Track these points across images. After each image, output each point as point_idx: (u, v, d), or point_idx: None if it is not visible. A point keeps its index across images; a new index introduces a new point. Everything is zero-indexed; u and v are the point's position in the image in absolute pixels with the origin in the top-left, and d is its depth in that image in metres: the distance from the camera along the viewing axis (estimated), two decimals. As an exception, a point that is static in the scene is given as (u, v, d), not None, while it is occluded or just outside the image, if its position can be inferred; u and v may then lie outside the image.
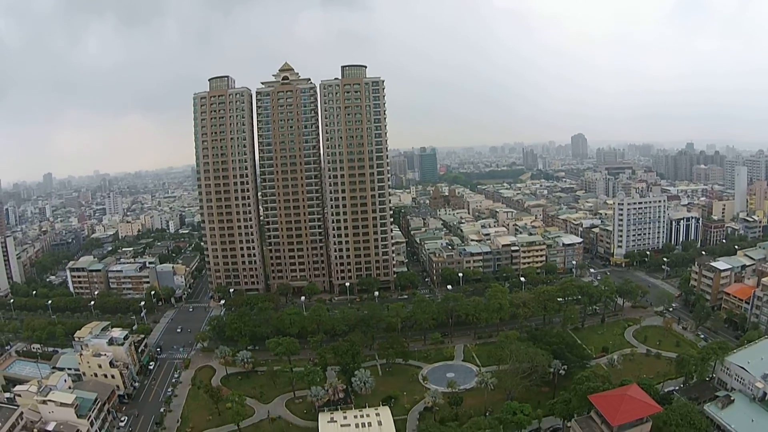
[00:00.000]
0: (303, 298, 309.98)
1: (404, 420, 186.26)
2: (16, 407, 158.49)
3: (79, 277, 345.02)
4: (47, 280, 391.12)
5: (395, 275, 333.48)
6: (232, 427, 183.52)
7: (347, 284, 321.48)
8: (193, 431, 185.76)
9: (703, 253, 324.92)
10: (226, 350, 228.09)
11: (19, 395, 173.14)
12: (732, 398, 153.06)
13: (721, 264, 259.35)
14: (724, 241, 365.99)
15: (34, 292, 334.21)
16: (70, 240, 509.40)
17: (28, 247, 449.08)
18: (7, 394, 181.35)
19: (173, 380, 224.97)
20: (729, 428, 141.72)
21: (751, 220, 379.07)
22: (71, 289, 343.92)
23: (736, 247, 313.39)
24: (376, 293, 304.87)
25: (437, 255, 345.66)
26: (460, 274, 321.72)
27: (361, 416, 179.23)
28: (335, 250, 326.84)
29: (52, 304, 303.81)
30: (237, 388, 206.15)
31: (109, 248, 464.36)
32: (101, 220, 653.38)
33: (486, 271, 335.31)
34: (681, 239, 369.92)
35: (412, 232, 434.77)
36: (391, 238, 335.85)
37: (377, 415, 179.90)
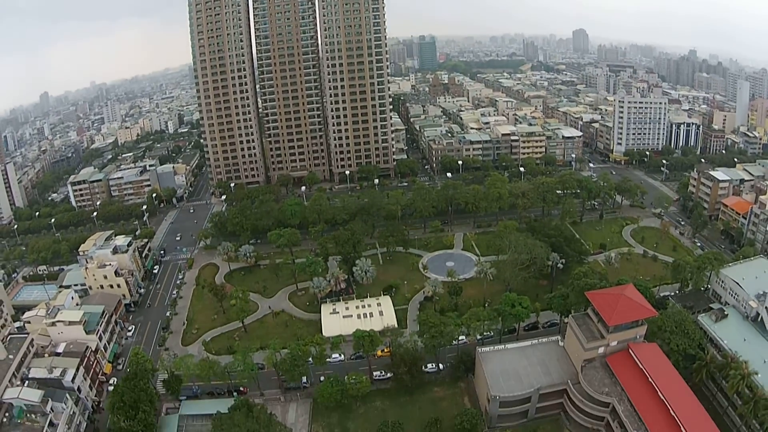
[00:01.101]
0: (303, 188, 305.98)
1: (405, 309, 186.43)
2: (26, 335, 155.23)
3: (80, 190, 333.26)
4: (49, 198, 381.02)
5: (395, 163, 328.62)
6: (237, 324, 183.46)
7: (347, 173, 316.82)
8: (199, 332, 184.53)
9: (703, 160, 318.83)
10: (228, 246, 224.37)
11: (29, 322, 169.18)
12: (726, 312, 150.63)
13: (720, 174, 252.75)
14: (723, 151, 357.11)
15: (37, 213, 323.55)
16: (69, 155, 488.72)
17: (29, 169, 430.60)
18: (17, 324, 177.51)
19: (178, 282, 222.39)
20: (722, 343, 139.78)
21: (752, 135, 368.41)
22: (73, 203, 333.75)
23: (736, 160, 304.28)
24: (376, 181, 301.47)
25: (437, 142, 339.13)
26: (460, 162, 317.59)
27: (363, 306, 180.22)
28: (335, 139, 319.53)
29: (55, 222, 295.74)
30: (240, 284, 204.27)
31: (109, 157, 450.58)
32: (100, 129, 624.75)
33: (485, 160, 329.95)
34: (681, 144, 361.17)
35: (411, 120, 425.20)
36: (391, 126, 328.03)
37: (378, 304, 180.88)
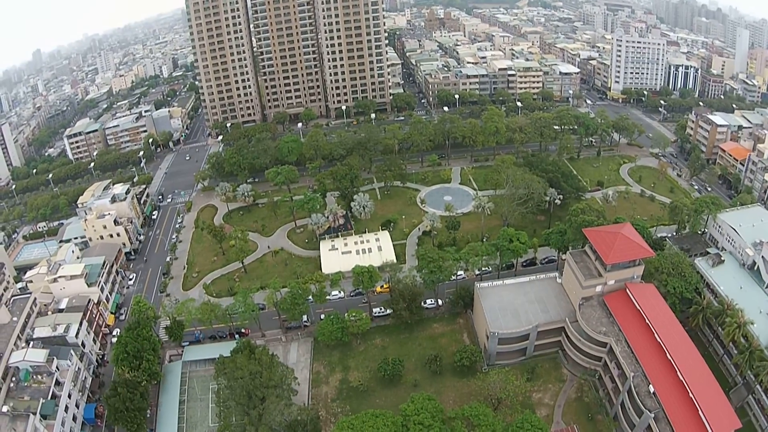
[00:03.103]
0: (300, 124, 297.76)
1: (403, 244, 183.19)
2: (28, 296, 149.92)
3: (76, 142, 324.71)
4: (46, 154, 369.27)
5: (391, 97, 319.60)
6: (237, 265, 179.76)
7: (344, 108, 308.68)
8: (200, 275, 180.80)
9: (701, 104, 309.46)
10: (226, 186, 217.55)
11: (31, 281, 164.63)
12: (722, 258, 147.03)
13: (718, 119, 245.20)
14: (722, 96, 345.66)
15: (34, 171, 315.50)
16: (64, 108, 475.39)
17: (24, 127, 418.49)
18: (20, 284, 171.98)
19: (177, 226, 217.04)
20: (718, 289, 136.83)
21: (751, 83, 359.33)
22: (70, 156, 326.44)
23: (734, 106, 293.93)
24: (373, 115, 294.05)
25: (433, 76, 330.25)
26: (457, 96, 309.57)
27: (362, 242, 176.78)
28: (330, 75, 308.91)
29: (53, 176, 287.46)
30: (239, 224, 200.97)
31: (104, 106, 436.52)
32: (94, 80, 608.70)
33: (482, 94, 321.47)
34: (679, 86, 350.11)
35: (407, 54, 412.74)
36: (387, 61, 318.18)
37: (377, 240, 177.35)
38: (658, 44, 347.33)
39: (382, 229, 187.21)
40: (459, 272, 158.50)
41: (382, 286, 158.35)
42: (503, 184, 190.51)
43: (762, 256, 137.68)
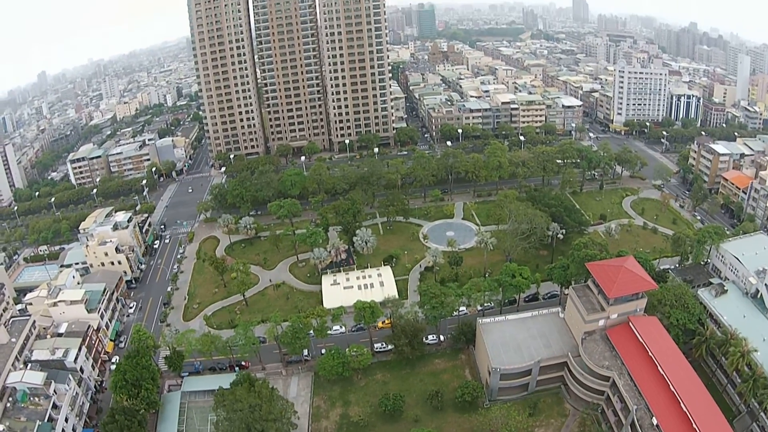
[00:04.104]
0: (303, 157, 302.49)
1: (405, 280, 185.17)
2: (28, 317, 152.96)
3: (79, 167, 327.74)
4: (49, 177, 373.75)
5: (395, 131, 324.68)
6: (238, 297, 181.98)
7: (347, 141, 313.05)
8: (201, 307, 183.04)
9: (703, 133, 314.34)
10: (228, 218, 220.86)
11: (30, 303, 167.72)
12: (725, 288, 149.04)
13: (720, 148, 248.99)
14: (724, 125, 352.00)
15: (37, 193, 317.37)
16: (68, 132, 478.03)
17: (27, 149, 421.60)
18: (19, 306, 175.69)
19: (178, 256, 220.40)
20: (721, 318, 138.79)
21: (752, 110, 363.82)
22: (73, 181, 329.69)
23: (736, 134, 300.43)
24: (376, 149, 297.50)
25: (436, 110, 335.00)
26: (460, 131, 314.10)
27: (364, 277, 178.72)
28: (334, 108, 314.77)
29: (55, 200, 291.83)
30: (241, 257, 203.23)
31: (108, 133, 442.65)
32: (98, 106, 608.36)
33: (485, 128, 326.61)
34: (681, 115, 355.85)
35: (411, 88, 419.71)
36: (390, 94, 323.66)
37: (379, 275, 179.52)
38: (660, 74, 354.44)
39: (385, 265, 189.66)
40: (461, 308, 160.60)
41: (383, 322, 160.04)
42: (506, 219, 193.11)
43: (765, 284, 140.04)
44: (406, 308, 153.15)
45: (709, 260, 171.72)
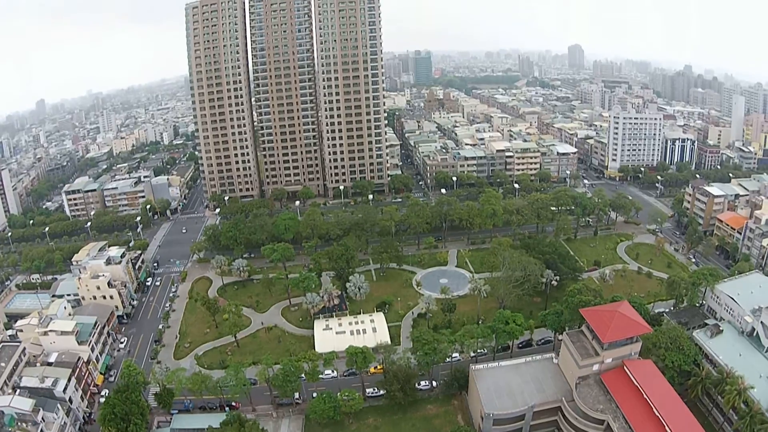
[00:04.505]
0: (298, 202, 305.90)
1: (398, 326, 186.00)
2: (18, 343, 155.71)
3: (74, 199, 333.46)
4: (44, 207, 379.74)
5: (389, 178, 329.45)
6: (230, 338, 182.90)
7: (342, 187, 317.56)
8: (192, 346, 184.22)
9: (698, 176, 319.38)
10: (222, 260, 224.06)
11: (21, 330, 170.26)
12: (721, 328, 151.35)
13: (715, 190, 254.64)
14: (718, 167, 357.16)
15: (31, 222, 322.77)
16: (65, 163, 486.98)
17: (24, 176, 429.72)
18: (9, 332, 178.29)
19: (171, 294, 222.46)
20: (717, 359, 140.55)
21: (747, 150, 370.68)
22: (67, 212, 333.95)
23: (731, 175, 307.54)
24: (371, 196, 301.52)
25: (431, 158, 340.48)
26: (454, 178, 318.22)
27: (356, 323, 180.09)
28: (329, 154, 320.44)
29: (49, 230, 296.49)
30: (233, 298, 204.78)
31: (104, 167, 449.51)
32: (95, 139, 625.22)
33: (480, 176, 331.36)
34: (676, 159, 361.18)
35: (406, 135, 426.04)
36: (386, 141, 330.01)
37: (372, 321, 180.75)
38: (655, 119, 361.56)
39: (377, 311, 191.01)
40: (454, 354, 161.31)
41: (376, 367, 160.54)
42: (499, 266, 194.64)
43: (761, 322, 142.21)
44: (399, 354, 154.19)
45: (704, 302, 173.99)
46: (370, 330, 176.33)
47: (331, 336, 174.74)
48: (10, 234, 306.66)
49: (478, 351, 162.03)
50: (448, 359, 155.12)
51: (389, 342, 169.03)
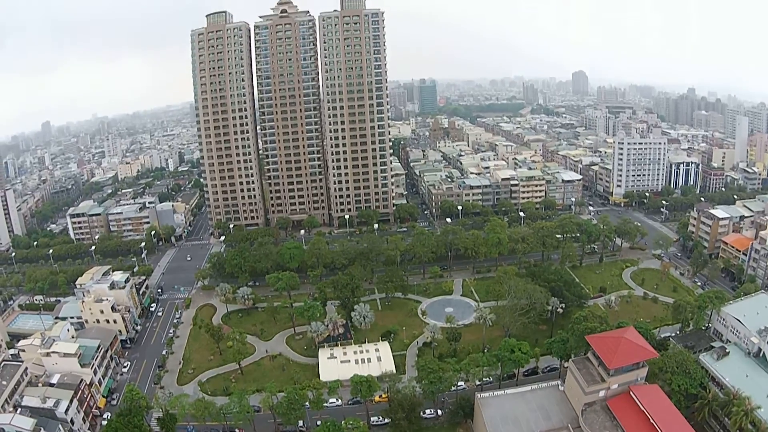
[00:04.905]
0: (303, 231, 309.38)
1: (403, 355, 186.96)
2: (20, 363, 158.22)
3: (79, 222, 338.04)
4: (48, 229, 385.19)
5: (395, 207, 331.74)
6: (234, 366, 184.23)
7: (347, 217, 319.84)
8: (195, 372, 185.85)
9: (702, 199, 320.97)
10: (226, 287, 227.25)
11: (23, 350, 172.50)
12: (727, 350, 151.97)
13: (719, 212, 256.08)
14: (723, 189, 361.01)
15: (35, 243, 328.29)
16: (69, 186, 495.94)
17: (28, 197, 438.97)
18: (12, 351, 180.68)
19: (174, 321, 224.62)
20: (723, 381, 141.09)
21: (751, 171, 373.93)
22: (72, 235, 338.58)
23: (735, 196, 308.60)
24: (376, 226, 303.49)
25: (436, 187, 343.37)
26: (460, 207, 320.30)
27: (361, 351, 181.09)
28: (335, 183, 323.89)
29: (53, 253, 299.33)
30: (238, 326, 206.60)
31: (109, 191, 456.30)
32: (100, 163, 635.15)
33: (485, 205, 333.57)
34: (680, 183, 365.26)
35: (411, 164, 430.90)
36: (391, 170, 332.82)
37: (377, 350, 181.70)
38: (659, 143, 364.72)
39: (382, 340, 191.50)
40: (459, 383, 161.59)
41: (381, 396, 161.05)
42: (505, 295, 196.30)
43: (767, 342, 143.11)
44: (404, 383, 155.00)
45: (710, 325, 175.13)
46: (375, 359, 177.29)
47: (336, 365, 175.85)
48: (14, 254, 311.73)
49: (484, 379, 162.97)
50: (453, 388, 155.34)
51: (394, 371, 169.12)
